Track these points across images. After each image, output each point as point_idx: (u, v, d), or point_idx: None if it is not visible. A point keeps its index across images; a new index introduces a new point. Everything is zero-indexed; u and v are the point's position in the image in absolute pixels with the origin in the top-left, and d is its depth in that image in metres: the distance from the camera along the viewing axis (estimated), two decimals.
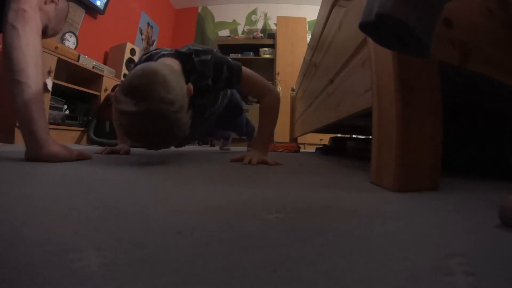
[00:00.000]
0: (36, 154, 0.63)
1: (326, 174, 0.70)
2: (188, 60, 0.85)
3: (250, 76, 0.97)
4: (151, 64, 0.69)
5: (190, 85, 0.75)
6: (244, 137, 1.91)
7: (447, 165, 0.61)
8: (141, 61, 0.99)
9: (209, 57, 0.88)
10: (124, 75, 2.89)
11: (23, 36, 0.65)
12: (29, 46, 0.65)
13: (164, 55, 0.86)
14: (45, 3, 0.84)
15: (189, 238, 0.21)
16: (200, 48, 0.89)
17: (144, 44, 3.84)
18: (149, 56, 0.95)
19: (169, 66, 0.73)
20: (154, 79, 0.64)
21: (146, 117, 0.62)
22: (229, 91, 1.29)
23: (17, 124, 0.97)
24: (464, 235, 0.25)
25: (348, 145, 1.75)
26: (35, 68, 0.66)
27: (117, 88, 0.72)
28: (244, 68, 0.96)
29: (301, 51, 3.20)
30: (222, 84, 0.93)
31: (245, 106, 1.59)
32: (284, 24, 3.84)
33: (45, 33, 0.84)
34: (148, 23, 3.89)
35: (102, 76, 2.44)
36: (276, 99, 1.02)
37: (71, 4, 2.41)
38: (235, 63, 0.95)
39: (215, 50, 0.93)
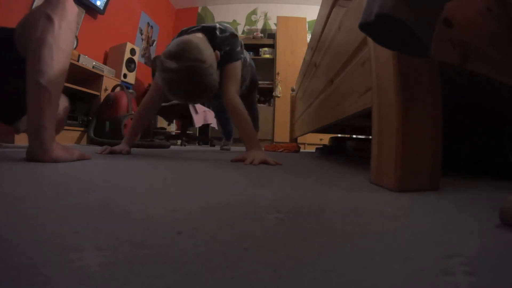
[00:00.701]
0: (38, 157, 0.63)
1: (326, 174, 0.70)
2: (213, 35, 1.04)
3: (234, 71, 1.09)
4: (185, 36, 0.93)
5: (218, 52, 0.97)
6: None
7: (447, 165, 0.61)
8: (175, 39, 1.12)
9: (227, 34, 1.07)
10: (124, 75, 2.90)
11: (57, 32, 0.58)
12: (60, 46, 0.59)
13: (193, 31, 1.06)
14: None
15: (189, 238, 0.21)
16: (222, 28, 1.08)
17: (144, 44, 3.84)
18: (180, 33, 1.10)
19: (199, 37, 0.96)
20: (188, 45, 0.86)
21: (185, 72, 0.83)
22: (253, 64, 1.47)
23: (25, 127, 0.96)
24: (464, 235, 0.25)
25: (348, 145, 1.75)
26: (59, 73, 0.60)
27: (160, 56, 0.88)
28: (238, 63, 1.09)
29: (301, 51, 3.20)
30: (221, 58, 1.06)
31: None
32: (284, 24, 3.84)
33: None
34: (148, 23, 3.89)
35: (102, 76, 2.44)
36: (228, 102, 1.05)
37: None
38: (238, 54, 1.09)
39: (232, 30, 1.11)
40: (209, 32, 1.04)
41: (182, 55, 0.83)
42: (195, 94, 0.90)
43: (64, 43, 0.61)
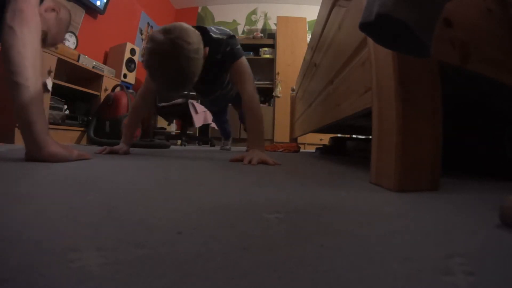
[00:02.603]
0: (36, 154, 0.63)
1: (326, 174, 0.70)
2: (205, 31, 1.03)
3: (243, 69, 1.07)
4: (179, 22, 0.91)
5: (207, 49, 0.95)
6: (244, 137, 1.92)
7: (447, 165, 0.61)
8: None
9: (224, 37, 1.06)
10: (124, 75, 2.89)
11: (20, 37, 0.63)
12: (27, 47, 0.64)
13: None
14: (46, 10, 0.83)
15: (189, 238, 0.21)
16: (218, 31, 1.08)
17: (144, 44, 3.83)
18: None
19: (195, 31, 0.93)
20: (179, 26, 0.87)
21: (170, 46, 0.82)
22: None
23: (17, 125, 0.96)
24: (464, 235, 0.25)
25: (348, 145, 1.75)
26: (33, 69, 0.65)
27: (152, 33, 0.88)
28: (243, 59, 1.07)
29: (301, 51, 3.20)
30: (222, 57, 1.07)
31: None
32: (284, 24, 3.84)
33: (44, 41, 0.83)
34: (148, 23, 3.89)
35: (102, 76, 2.43)
36: (249, 98, 1.03)
37: (71, 4, 2.42)
38: (240, 51, 1.08)
39: (230, 33, 1.10)
40: (202, 28, 1.04)
41: (171, 31, 0.84)
42: (175, 79, 0.87)
43: (30, 44, 0.65)
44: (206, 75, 1.15)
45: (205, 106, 2.45)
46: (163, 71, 0.85)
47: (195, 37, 0.89)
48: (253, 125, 1.01)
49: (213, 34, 1.04)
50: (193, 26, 1.03)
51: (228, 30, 1.12)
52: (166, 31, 0.84)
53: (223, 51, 1.05)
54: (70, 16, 0.94)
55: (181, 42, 0.83)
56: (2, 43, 0.64)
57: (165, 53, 0.82)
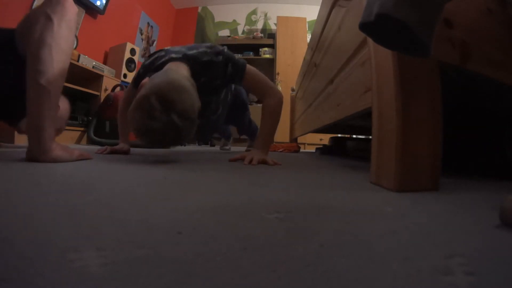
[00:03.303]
0: (38, 157, 0.63)
1: (326, 174, 0.70)
2: (196, 64, 0.91)
3: (254, 75, 1.00)
4: (178, 77, 0.78)
5: (199, 103, 0.82)
6: (244, 137, 1.91)
7: (447, 165, 0.61)
8: (146, 63, 1.02)
9: (220, 58, 0.94)
10: (124, 75, 2.89)
11: (57, 32, 0.58)
12: (60, 46, 0.59)
13: (172, 59, 0.92)
14: None
15: (189, 238, 0.21)
16: (208, 50, 0.94)
17: (144, 44, 3.84)
18: (155, 58, 0.99)
19: (189, 80, 0.82)
20: (182, 96, 0.74)
21: (169, 125, 0.71)
22: (233, 86, 1.33)
23: (20, 126, 0.96)
24: (464, 235, 0.25)
25: (348, 145, 1.75)
26: (59, 74, 0.60)
27: (142, 91, 0.74)
28: (248, 66, 0.99)
29: (301, 51, 3.20)
30: (227, 79, 0.98)
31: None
32: (284, 24, 3.84)
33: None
34: (148, 23, 3.89)
35: (102, 76, 2.44)
36: (279, 101, 1.01)
37: None
38: (241, 61, 0.99)
39: (222, 48, 0.98)
40: (193, 61, 0.92)
41: (173, 105, 0.71)
42: (166, 145, 0.81)
43: (64, 43, 0.61)
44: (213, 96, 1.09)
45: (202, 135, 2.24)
46: (162, 139, 0.76)
47: (195, 101, 0.78)
48: (268, 126, 0.99)
49: (205, 59, 0.93)
50: (181, 57, 0.92)
51: (217, 47, 0.97)
52: (163, 103, 0.71)
53: (227, 72, 0.96)
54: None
55: (182, 121, 0.73)
56: (33, 32, 0.58)
57: (164, 130, 0.72)
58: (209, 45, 0.98)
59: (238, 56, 1.25)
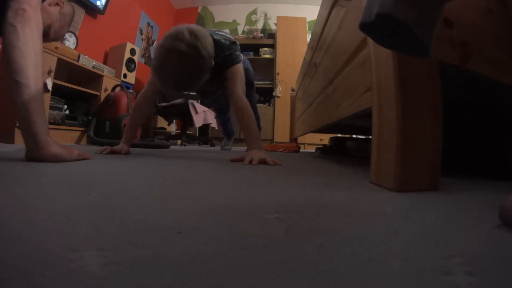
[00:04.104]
0: (36, 155, 0.63)
1: (326, 174, 0.70)
2: (211, 35, 1.06)
3: (235, 74, 1.11)
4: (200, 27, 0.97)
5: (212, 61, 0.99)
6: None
7: (447, 165, 0.61)
8: None
9: (227, 42, 1.11)
10: (124, 75, 2.89)
11: (22, 35, 0.63)
12: (29, 46, 0.64)
13: None
14: (50, 4, 0.83)
15: (189, 238, 0.21)
16: (221, 33, 1.13)
17: (144, 44, 3.84)
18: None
19: (210, 36, 1.00)
20: (205, 36, 0.94)
21: (192, 52, 0.88)
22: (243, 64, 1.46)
23: (17, 124, 0.96)
24: (464, 235, 0.25)
25: (348, 145, 1.75)
26: (34, 69, 0.65)
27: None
28: (239, 65, 1.12)
29: (301, 51, 3.20)
30: (219, 60, 1.10)
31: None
32: (284, 24, 3.84)
33: (47, 35, 0.83)
34: (148, 23, 3.89)
35: (102, 76, 2.43)
36: (242, 100, 1.06)
37: (71, 4, 2.41)
38: (239, 57, 1.12)
39: (231, 39, 1.15)
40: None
41: (197, 36, 0.89)
42: (186, 80, 0.93)
43: (31, 43, 0.65)
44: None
45: (206, 105, 2.43)
46: (178, 70, 0.89)
47: (212, 47, 0.96)
48: (246, 124, 1.03)
49: (216, 37, 1.08)
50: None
51: (231, 37, 1.16)
52: (192, 34, 0.89)
53: (223, 55, 1.09)
54: (74, 11, 0.94)
55: (204, 52, 0.90)
56: (3, 41, 0.64)
57: (185, 55, 0.87)
58: (224, 33, 1.17)
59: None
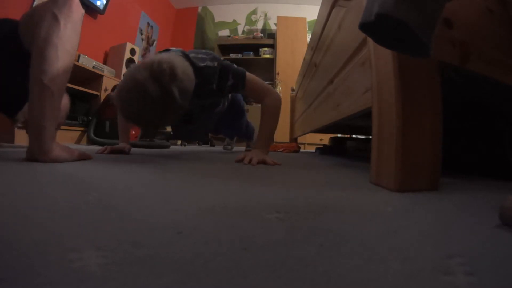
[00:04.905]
0: (38, 157, 0.63)
1: (326, 174, 0.70)
2: (194, 64, 0.92)
3: (254, 81, 1.03)
4: (186, 64, 0.83)
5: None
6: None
7: (447, 165, 0.61)
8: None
9: (215, 63, 0.96)
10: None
11: (63, 32, 0.58)
12: (66, 47, 0.59)
13: (171, 51, 0.96)
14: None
15: (189, 238, 0.21)
16: (205, 56, 0.97)
17: (144, 44, 3.84)
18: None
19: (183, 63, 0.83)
20: (190, 78, 0.79)
21: (166, 94, 0.71)
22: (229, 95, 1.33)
23: (21, 124, 0.96)
24: (464, 235, 0.25)
25: (348, 145, 1.75)
26: (63, 74, 0.60)
27: (148, 59, 0.77)
28: (248, 74, 1.02)
29: (301, 51, 3.20)
30: (228, 90, 1.01)
31: (245, 106, 1.60)
32: (284, 24, 3.84)
33: None
34: (148, 23, 3.89)
35: (102, 76, 2.44)
36: (277, 100, 1.04)
37: None
38: (240, 70, 1.01)
39: (218, 57, 1.00)
40: (191, 60, 0.93)
41: (179, 81, 0.73)
42: (151, 118, 0.75)
43: (69, 44, 0.61)
44: (198, 107, 1.13)
45: (178, 136, 2.11)
46: (141, 107, 0.71)
47: (190, 74, 0.81)
48: (269, 130, 1.01)
49: (199, 63, 0.93)
50: (181, 55, 0.92)
51: (214, 55, 1.00)
52: (172, 76, 0.72)
53: (229, 83, 0.97)
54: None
55: (179, 98, 0.73)
56: (38, 31, 0.58)
57: (154, 97, 0.70)
58: (207, 51, 1.01)
59: (238, 56, 1.28)
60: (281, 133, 3.52)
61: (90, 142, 2.15)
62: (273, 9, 4.35)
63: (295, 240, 0.22)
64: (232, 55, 4.00)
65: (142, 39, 3.79)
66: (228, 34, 4.37)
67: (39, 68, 0.59)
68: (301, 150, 2.62)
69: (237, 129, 1.63)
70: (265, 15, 4.42)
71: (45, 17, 0.58)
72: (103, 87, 2.44)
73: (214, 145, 3.09)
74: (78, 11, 0.62)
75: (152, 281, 0.15)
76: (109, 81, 2.52)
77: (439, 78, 0.48)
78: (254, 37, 4.09)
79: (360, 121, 1.12)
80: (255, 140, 1.07)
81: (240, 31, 4.43)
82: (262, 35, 4.20)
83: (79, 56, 2.23)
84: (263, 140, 1.00)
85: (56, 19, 0.57)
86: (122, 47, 2.94)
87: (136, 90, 0.70)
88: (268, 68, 3.98)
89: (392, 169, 0.45)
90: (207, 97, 1.04)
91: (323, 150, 1.92)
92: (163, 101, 0.71)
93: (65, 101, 0.89)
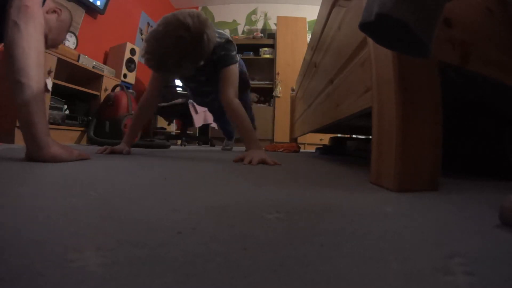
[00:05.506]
0: (36, 155, 0.63)
1: (326, 174, 0.70)
2: None
3: (231, 74, 1.11)
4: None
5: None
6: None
7: (447, 165, 0.61)
8: None
9: (223, 41, 1.11)
10: (125, 75, 2.89)
11: (25, 33, 0.62)
12: (31, 44, 0.63)
13: None
14: (47, 12, 0.83)
15: (189, 238, 0.21)
16: (217, 35, 1.10)
17: (144, 44, 3.83)
18: None
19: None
20: (213, 28, 0.95)
21: (197, 33, 0.87)
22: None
23: (17, 124, 0.96)
24: (464, 235, 0.25)
25: (348, 145, 1.75)
26: (36, 68, 0.64)
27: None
28: (233, 67, 1.11)
29: (301, 51, 3.20)
30: (215, 59, 1.11)
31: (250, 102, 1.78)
32: (284, 24, 3.84)
33: (45, 43, 0.83)
34: (148, 23, 3.89)
35: (102, 76, 2.43)
36: (233, 102, 1.06)
37: (71, 4, 2.41)
38: (234, 58, 1.11)
39: (230, 38, 1.15)
40: None
41: (206, 27, 0.90)
42: (175, 57, 0.89)
43: (34, 42, 0.65)
44: (201, 73, 1.19)
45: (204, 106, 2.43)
46: (172, 45, 0.86)
47: (213, 44, 0.95)
48: (240, 124, 1.02)
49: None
50: None
51: (226, 34, 1.16)
52: (206, 21, 0.90)
53: (218, 55, 1.09)
54: (71, 18, 0.94)
55: (205, 43, 0.89)
56: (6, 38, 0.63)
57: (187, 35, 0.86)
58: (221, 33, 1.16)
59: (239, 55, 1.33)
60: (281, 133, 3.54)
61: (90, 142, 2.15)
62: (273, 9, 4.34)
63: (295, 240, 0.22)
64: None
65: (142, 39, 3.79)
66: (228, 34, 4.37)
67: (12, 69, 0.62)
68: (301, 150, 2.62)
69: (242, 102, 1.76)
70: (265, 15, 4.41)
71: (8, 25, 0.63)
72: (103, 87, 2.44)
73: (214, 145, 3.09)
74: (37, 16, 0.66)
75: (152, 281, 0.15)
76: (109, 81, 2.51)
77: (439, 78, 0.48)
78: (254, 37, 4.09)
79: (360, 121, 1.12)
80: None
81: (240, 31, 4.43)
82: (262, 35, 4.20)
83: (79, 56, 2.23)
84: (248, 137, 1.01)
85: (15, 24, 0.62)
86: (122, 47, 2.94)
87: (174, 24, 0.86)
88: (268, 68, 3.98)
89: (392, 169, 0.45)
90: (209, 67, 1.11)
91: (323, 150, 1.92)
92: (192, 38, 0.86)
93: (66, 16, 0.90)
